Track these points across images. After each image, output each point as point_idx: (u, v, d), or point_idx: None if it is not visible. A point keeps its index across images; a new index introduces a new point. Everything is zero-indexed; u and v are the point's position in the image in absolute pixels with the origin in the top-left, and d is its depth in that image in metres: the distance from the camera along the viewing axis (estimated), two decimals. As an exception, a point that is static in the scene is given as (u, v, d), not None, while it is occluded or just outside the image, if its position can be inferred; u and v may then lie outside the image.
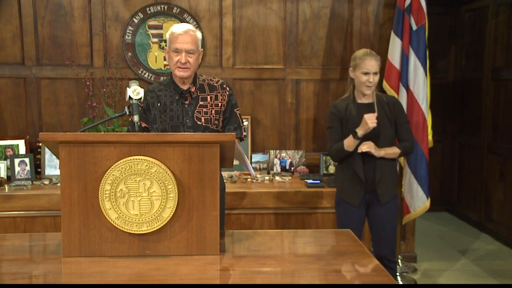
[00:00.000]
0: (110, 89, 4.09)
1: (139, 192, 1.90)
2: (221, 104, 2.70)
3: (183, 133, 2.55)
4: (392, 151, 2.94)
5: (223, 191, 2.92)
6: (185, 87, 2.65)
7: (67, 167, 1.90)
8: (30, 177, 3.84)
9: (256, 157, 4.20)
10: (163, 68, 4.16)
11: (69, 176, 1.90)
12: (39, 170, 3.98)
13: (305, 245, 2.22)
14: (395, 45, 3.80)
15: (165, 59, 4.12)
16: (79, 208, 1.91)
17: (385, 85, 3.82)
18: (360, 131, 2.84)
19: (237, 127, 2.75)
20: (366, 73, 2.88)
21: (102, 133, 2.96)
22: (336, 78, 4.27)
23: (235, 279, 1.79)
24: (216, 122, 2.69)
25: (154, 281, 1.73)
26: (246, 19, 4.19)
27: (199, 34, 2.62)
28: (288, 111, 4.28)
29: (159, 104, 2.63)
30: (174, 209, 1.91)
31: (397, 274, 3.80)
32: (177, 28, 2.58)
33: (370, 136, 2.87)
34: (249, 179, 3.93)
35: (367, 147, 2.85)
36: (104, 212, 1.90)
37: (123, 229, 1.91)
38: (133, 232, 1.91)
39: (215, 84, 2.72)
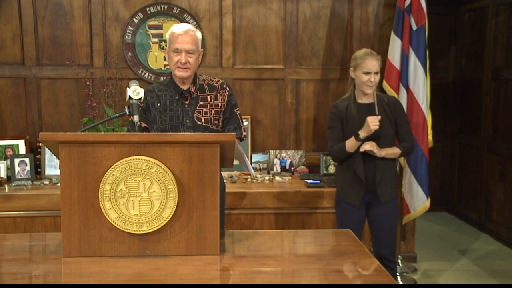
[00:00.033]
0: (110, 89, 4.09)
1: (139, 192, 1.90)
2: (221, 104, 2.70)
3: (183, 133, 2.55)
4: (393, 151, 2.94)
5: (223, 191, 2.92)
6: (185, 87, 2.65)
7: (67, 167, 1.90)
8: (30, 177, 3.84)
9: (256, 157, 4.20)
10: (163, 68, 4.16)
11: (69, 176, 1.90)
12: (39, 170, 3.98)
13: (305, 245, 2.22)
14: (395, 45, 3.80)
15: (165, 59, 4.12)
16: (79, 208, 1.91)
17: (385, 85, 3.82)
18: (362, 133, 2.84)
19: (237, 127, 2.75)
20: (367, 73, 2.88)
21: (102, 133, 2.96)
22: (336, 78, 4.27)
23: (235, 279, 1.79)
24: (216, 122, 2.69)
25: (154, 281, 1.73)
26: (246, 19, 4.19)
27: (199, 34, 2.62)
28: (288, 111, 4.28)
29: (159, 104, 2.63)
30: (174, 209, 1.91)
31: (397, 274, 3.80)
32: (177, 28, 2.58)
33: (371, 136, 2.87)
34: (249, 179, 3.93)
35: (369, 146, 2.86)
36: (104, 212, 1.90)
37: (123, 229, 1.91)
38: (133, 232, 1.91)
39: (215, 84, 2.72)
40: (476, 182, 5.17)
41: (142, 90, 2.22)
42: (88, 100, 4.02)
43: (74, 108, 4.16)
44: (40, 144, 3.99)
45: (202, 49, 2.67)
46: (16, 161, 3.82)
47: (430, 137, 3.82)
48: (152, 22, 4.13)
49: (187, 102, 2.64)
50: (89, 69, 4.11)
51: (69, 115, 4.16)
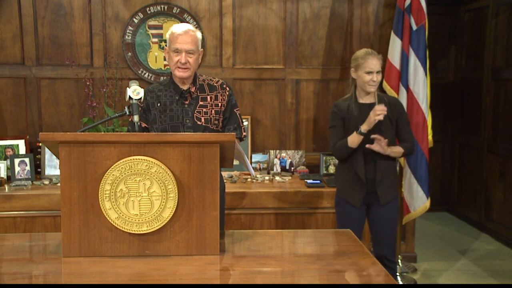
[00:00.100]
0: (110, 89, 4.09)
1: (139, 192, 1.90)
2: (221, 104, 2.70)
3: (183, 133, 2.55)
4: (397, 150, 2.95)
5: (223, 191, 2.92)
6: (185, 87, 2.65)
7: (67, 167, 1.90)
8: (30, 177, 3.84)
9: (256, 157, 4.20)
10: (163, 68, 4.16)
11: (69, 176, 1.90)
12: (39, 170, 3.98)
13: (305, 245, 2.22)
14: (395, 45, 3.80)
15: (165, 59, 4.12)
16: (79, 208, 1.91)
17: (385, 85, 3.82)
18: (364, 127, 2.84)
19: (237, 127, 2.75)
20: (369, 72, 2.88)
21: (102, 133, 2.96)
22: (336, 78, 4.27)
23: (235, 279, 1.79)
24: (216, 122, 2.69)
25: (154, 281, 1.73)
26: (246, 19, 4.19)
27: (199, 34, 2.62)
28: (288, 111, 4.28)
29: (159, 104, 2.63)
30: (174, 209, 1.91)
31: (397, 274, 3.80)
32: (177, 28, 2.58)
33: (372, 135, 2.87)
34: (249, 179, 3.93)
35: (378, 147, 2.83)
36: (104, 212, 1.90)
37: (123, 229, 1.91)
38: (133, 232, 1.91)
39: (215, 84, 2.72)
40: (476, 182, 5.17)
41: (142, 90, 2.22)
42: (88, 100, 4.02)
43: (74, 108, 4.16)
44: (40, 144, 3.99)
45: (202, 49, 2.67)
46: (16, 161, 3.82)
47: (430, 137, 3.82)
48: (152, 22, 4.13)
49: (187, 102, 2.64)
50: (89, 69, 4.11)
51: (69, 115, 4.16)
